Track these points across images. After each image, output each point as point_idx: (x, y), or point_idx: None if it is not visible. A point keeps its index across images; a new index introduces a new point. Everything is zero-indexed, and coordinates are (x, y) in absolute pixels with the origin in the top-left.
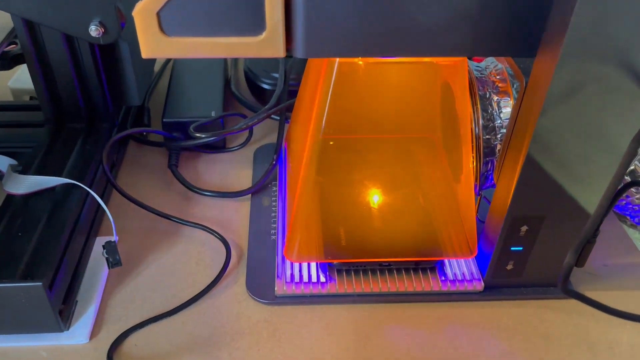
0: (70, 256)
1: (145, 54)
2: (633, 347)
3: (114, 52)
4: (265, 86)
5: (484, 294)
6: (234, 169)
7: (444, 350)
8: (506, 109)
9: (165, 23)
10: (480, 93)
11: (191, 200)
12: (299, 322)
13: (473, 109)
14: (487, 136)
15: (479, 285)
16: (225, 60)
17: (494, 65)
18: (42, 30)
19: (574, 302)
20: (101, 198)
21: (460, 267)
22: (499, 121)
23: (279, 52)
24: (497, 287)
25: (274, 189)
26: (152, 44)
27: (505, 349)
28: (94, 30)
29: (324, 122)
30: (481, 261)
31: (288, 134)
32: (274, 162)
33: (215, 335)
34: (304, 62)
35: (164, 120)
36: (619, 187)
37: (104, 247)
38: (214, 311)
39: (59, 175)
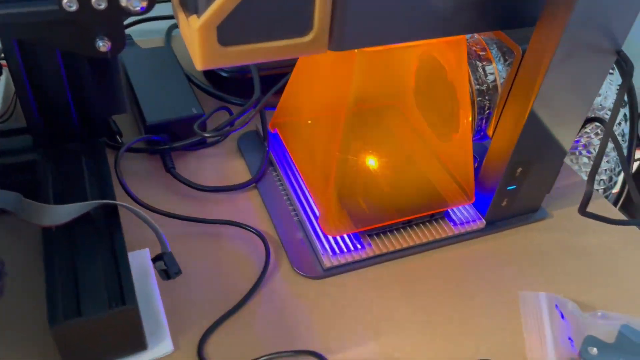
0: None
1: (201, 65)
2: (598, 246)
3: (106, 64)
4: (224, 74)
5: (486, 230)
6: (226, 162)
7: (474, 282)
8: (491, 74)
9: (223, 35)
10: (468, 61)
11: (199, 199)
12: (352, 287)
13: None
14: (479, 98)
15: (482, 224)
16: (172, 51)
17: (470, 37)
18: (37, 50)
19: (548, 221)
20: (116, 212)
21: (461, 212)
22: (485, 85)
23: (324, 48)
24: (495, 221)
25: (274, 173)
26: (210, 55)
27: (517, 269)
28: (102, 46)
29: (352, 96)
30: (479, 204)
31: (278, 118)
32: (268, 150)
33: (286, 317)
34: None
35: (148, 123)
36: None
37: (155, 259)
38: (276, 296)
39: (84, 197)
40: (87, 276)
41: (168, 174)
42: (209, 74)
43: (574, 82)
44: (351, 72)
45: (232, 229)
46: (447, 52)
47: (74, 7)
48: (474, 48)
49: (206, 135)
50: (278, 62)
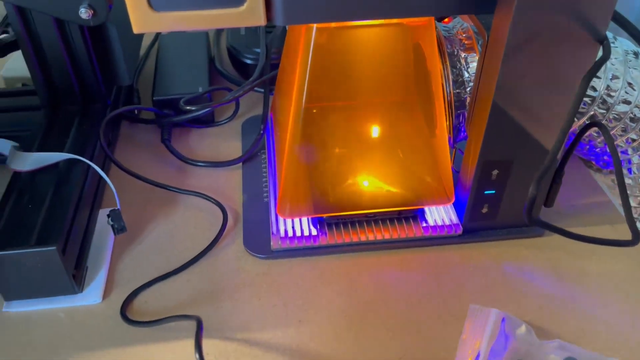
0: (78, 225)
1: (136, 29)
2: (599, 274)
3: (103, 34)
4: (248, 61)
5: (463, 238)
6: (224, 141)
7: (429, 288)
8: (473, 63)
9: (154, 0)
10: (448, 51)
11: (186, 171)
12: (295, 272)
13: (443, 66)
14: (457, 90)
15: (458, 229)
16: (207, 38)
17: (460, 25)
18: (34, 17)
19: (545, 239)
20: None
21: (440, 214)
22: (467, 75)
23: (260, 20)
24: (475, 230)
25: (263, 156)
26: (142, 20)
27: (484, 284)
28: (84, 13)
29: (305, 91)
30: (459, 208)
31: (273, 104)
32: (262, 132)
33: (218, 289)
34: (284, 36)
35: (154, 98)
36: (580, 129)
37: (108, 215)
38: (215, 268)
39: (61, 152)
40: (30, 217)
41: (163, 145)
42: (235, 62)
43: (542, 74)
44: (304, 52)
45: (204, 202)
46: (424, 38)
47: None
48: (459, 37)
49: (187, 108)
50: None
